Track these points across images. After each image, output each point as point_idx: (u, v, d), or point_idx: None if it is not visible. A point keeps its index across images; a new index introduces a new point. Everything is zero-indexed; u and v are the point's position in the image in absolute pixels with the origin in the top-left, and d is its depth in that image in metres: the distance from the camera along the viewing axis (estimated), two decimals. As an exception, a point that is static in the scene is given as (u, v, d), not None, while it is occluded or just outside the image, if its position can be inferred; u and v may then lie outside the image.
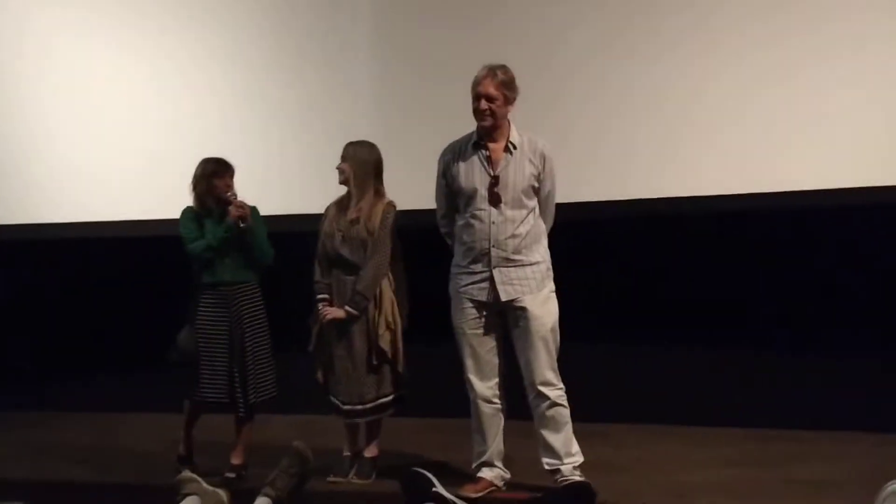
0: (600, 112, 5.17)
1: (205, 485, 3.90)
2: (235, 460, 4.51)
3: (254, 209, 4.51)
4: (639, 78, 5.11)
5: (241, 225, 4.39)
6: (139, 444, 5.26)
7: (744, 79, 4.98)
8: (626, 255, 5.24)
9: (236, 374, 4.43)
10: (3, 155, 6.17)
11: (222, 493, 3.89)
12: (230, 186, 4.48)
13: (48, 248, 6.08)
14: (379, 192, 4.40)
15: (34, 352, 6.15)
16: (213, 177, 4.45)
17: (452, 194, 4.13)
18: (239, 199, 4.43)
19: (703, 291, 5.12)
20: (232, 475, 4.43)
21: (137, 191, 5.77)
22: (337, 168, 4.40)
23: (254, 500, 3.74)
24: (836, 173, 4.87)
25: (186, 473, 4.00)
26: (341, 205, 4.44)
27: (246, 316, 4.46)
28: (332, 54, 5.59)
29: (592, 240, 5.15)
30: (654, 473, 4.35)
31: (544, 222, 4.13)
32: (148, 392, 5.31)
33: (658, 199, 5.11)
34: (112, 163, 5.94)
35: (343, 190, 4.46)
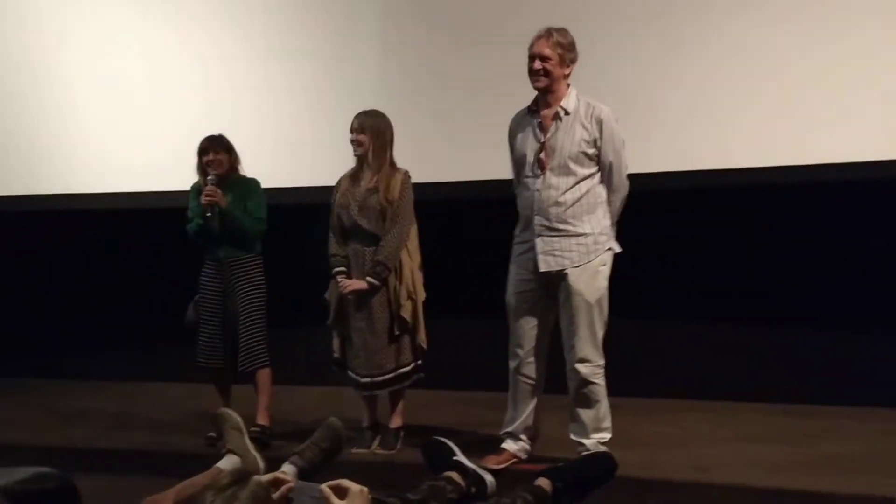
0: (656, 84, 5.01)
1: (247, 441, 3.65)
2: (261, 420, 4.61)
3: (253, 181, 4.65)
4: (693, 51, 4.96)
5: (207, 214, 4.46)
6: (162, 413, 5.32)
7: (817, 49, 4.72)
8: (648, 228, 5.18)
9: (240, 341, 4.56)
10: (36, 126, 6.21)
11: (260, 461, 3.66)
12: (217, 162, 4.54)
13: (72, 219, 6.13)
14: (393, 163, 4.39)
15: (60, 321, 6.21)
16: (202, 154, 4.57)
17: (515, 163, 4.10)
18: (211, 186, 4.48)
19: (726, 266, 5.10)
20: (258, 428, 4.50)
21: (164, 163, 5.77)
22: (353, 140, 4.36)
23: (279, 467, 3.72)
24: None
25: (228, 410, 3.76)
26: (355, 176, 4.42)
27: (242, 287, 4.58)
28: (342, 26, 5.55)
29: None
30: (677, 448, 4.35)
31: (612, 192, 3.97)
32: (171, 361, 5.35)
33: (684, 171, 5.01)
34: (129, 134, 5.99)
35: (350, 163, 4.44)
